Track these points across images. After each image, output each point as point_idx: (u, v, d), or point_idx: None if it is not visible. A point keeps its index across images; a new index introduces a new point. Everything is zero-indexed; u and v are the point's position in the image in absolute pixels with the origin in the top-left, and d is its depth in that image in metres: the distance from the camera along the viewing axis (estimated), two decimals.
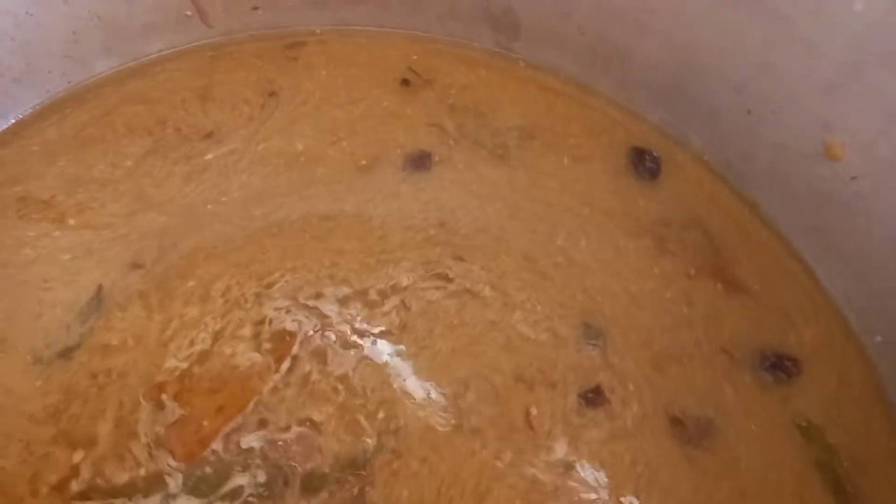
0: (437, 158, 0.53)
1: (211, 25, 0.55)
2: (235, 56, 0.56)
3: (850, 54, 0.45)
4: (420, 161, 0.53)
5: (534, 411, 0.41)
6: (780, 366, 0.46)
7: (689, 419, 0.43)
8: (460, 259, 0.47)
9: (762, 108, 0.52)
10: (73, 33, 0.49)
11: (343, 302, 0.43)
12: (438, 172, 0.52)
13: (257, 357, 0.40)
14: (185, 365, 0.40)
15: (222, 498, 0.35)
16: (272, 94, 0.54)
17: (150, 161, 0.49)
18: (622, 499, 0.40)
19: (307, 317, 0.42)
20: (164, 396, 0.38)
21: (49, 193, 0.47)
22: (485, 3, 0.58)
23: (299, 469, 0.36)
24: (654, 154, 0.55)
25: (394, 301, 0.44)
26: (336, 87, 0.55)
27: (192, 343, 0.41)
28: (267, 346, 0.41)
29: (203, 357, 0.40)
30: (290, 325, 0.42)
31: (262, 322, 0.42)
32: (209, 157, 0.50)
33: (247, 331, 0.42)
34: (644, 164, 0.54)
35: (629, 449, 0.41)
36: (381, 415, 0.40)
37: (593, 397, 0.42)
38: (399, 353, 0.43)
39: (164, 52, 0.55)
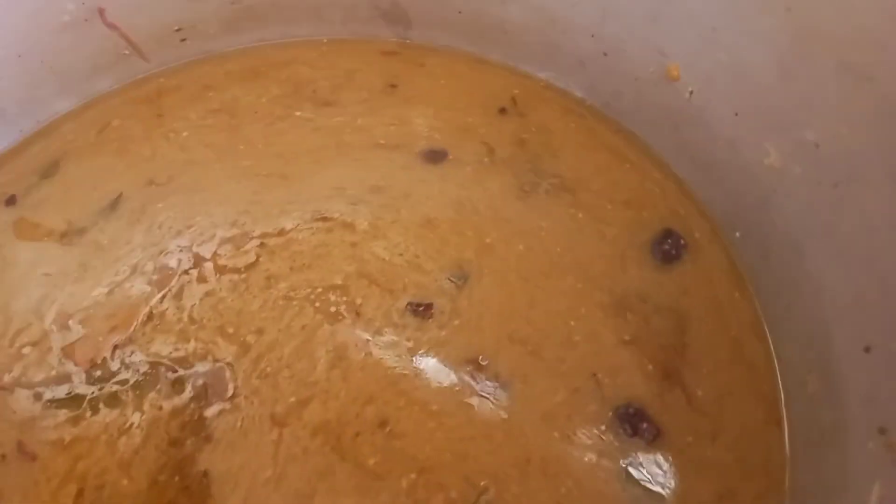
0: (450, 157, 0.58)
1: (148, 59, 0.66)
2: (372, 51, 0.67)
3: None
4: (434, 155, 0.59)
5: (359, 301, 0.49)
6: (633, 423, 0.46)
7: (489, 371, 0.46)
8: (353, 204, 0.55)
9: (614, 49, 0.59)
10: (29, 81, 0.60)
11: (223, 243, 0.52)
12: (444, 168, 0.57)
13: (147, 288, 0.50)
14: (106, 290, 0.50)
15: (111, 384, 0.46)
16: (393, 86, 0.64)
17: (274, 102, 0.62)
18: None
19: (189, 256, 0.52)
20: (70, 322, 0.48)
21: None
22: (373, 2, 0.67)
23: (169, 375, 0.46)
24: (682, 241, 0.53)
25: (255, 242, 0.52)
26: (445, 95, 0.64)
27: (116, 273, 0.51)
28: (154, 277, 0.51)
29: (113, 289, 0.51)
30: (172, 262, 0.52)
31: (160, 254, 0.52)
32: (298, 114, 0.61)
33: (149, 266, 0.52)
34: (663, 246, 0.53)
35: (410, 363, 0.46)
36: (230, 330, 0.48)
37: (422, 310, 0.49)
38: (235, 286, 0.50)
39: (114, 87, 0.66)
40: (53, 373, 0.47)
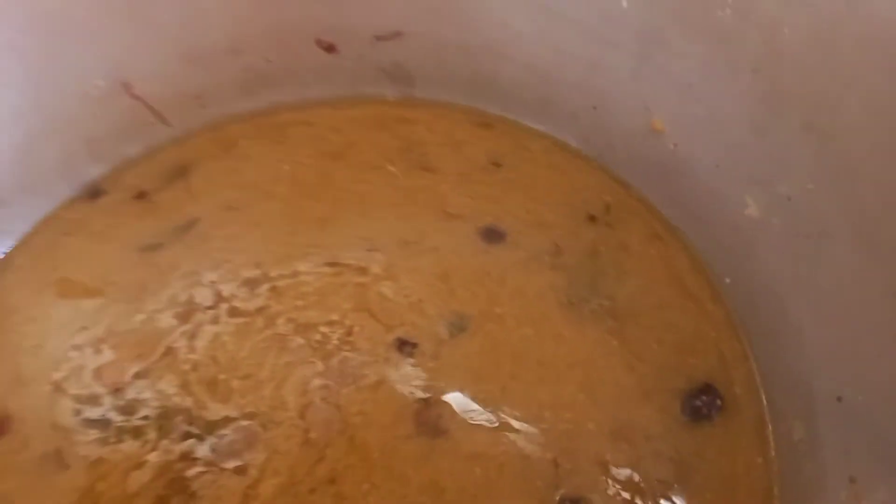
0: (508, 240, 0.57)
1: (171, 125, 0.72)
2: (468, 122, 0.68)
3: (636, 43, 0.54)
4: (492, 233, 0.58)
5: (357, 329, 0.52)
6: None
7: (433, 412, 0.48)
8: (370, 251, 0.56)
9: (602, 103, 0.61)
10: (63, 151, 0.66)
11: (242, 284, 0.54)
12: (494, 246, 0.57)
13: (173, 322, 0.53)
14: (144, 317, 0.53)
15: (136, 419, 0.49)
16: (497, 164, 0.64)
17: (379, 154, 0.64)
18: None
19: (211, 294, 0.54)
20: (103, 346, 0.52)
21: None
22: (378, 64, 0.71)
23: (183, 426, 0.49)
24: (718, 402, 0.49)
25: (267, 285, 0.54)
26: (543, 186, 0.63)
27: (159, 300, 0.53)
28: (180, 310, 0.53)
29: (151, 315, 0.53)
30: (198, 297, 0.54)
31: (194, 286, 0.54)
32: (391, 168, 0.63)
33: (183, 297, 0.54)
34: (695, 402, 0.49)
35: (374, 397, 0.49)
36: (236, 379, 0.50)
37: (406, 347, 0.51)
38: (239, 330, 0.52)
39: (141, 153, 0.71)
40: (85, 391, 0.50)
